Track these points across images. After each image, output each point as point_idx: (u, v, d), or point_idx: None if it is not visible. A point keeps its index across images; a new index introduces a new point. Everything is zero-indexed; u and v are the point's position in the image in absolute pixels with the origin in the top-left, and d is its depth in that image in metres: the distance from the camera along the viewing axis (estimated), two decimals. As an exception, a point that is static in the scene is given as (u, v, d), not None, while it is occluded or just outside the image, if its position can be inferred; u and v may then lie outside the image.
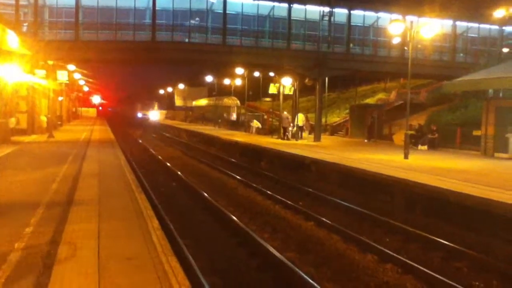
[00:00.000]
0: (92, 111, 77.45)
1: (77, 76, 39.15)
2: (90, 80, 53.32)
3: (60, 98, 36.67)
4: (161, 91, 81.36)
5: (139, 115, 57.76)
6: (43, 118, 27.36)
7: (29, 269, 4.62)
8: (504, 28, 33.42)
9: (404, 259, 7.62)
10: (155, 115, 58.01)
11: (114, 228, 6.24)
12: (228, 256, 8.04)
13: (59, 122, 34.53)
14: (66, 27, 27.61)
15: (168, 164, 19.81)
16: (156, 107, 65.62)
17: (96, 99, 78.47)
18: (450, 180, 11.55)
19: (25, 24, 27.48)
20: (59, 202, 7.86)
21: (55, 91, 30.68)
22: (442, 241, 8.59)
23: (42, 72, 25.15)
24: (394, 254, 7.86)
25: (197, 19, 28.79)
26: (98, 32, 27.59)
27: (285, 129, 27.90)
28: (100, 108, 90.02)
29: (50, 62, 27.52)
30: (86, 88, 59.83)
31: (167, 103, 78.82)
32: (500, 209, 8.84)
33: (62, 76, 27.03)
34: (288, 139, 27.09)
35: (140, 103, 64.75)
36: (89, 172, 11.46)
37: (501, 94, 21.21)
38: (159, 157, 22.83)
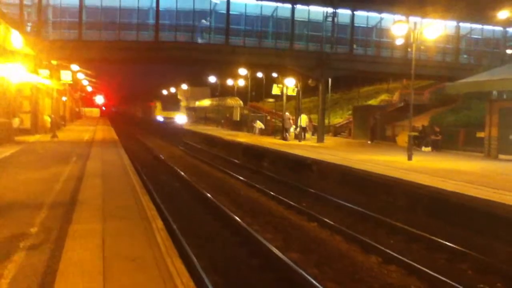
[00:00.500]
0: (95, 111, 77.57)
1: (80, 76, 39.27)
2: (93, 80, 53.46)
3: (63, 98, 36.77)
4: (164, 91, 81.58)
5: (160, 118, 41.53)
6: (47, 118, 27.44)
7: (34, 269, 4.64)
8: (507, 29, 33.35)
9: (408, 261, 7.61)
10: (182, 118, 41.58)
11: (118, 228, 6.25)
12: (231, 256, 8.05)
13: (62, 122, 34.61)
14: (70, 27, 27.68)
15: (171, 164, 19.84)
16: (181, 108, 47.62)
17: (99, 99, 78.56)
18: (453, 182, 11.53)
19: (29, 24, 27.56)
20: (63, 202, 7.88)
21: (59, 91, 30.78)
22: (446, 242, 8.58)
23: (46, 72, 25.22)
24: (398, 256, 7.85)
25: (208, 19, 28.85)
26: (102, 31, 27.67)
27: (286, 130, 27.95)
28: (104, 108, 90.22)
29: (54, 62, 27.61)
30: (89, 88, 59.96)
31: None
32: (502, 211, 8.83)
33: (65, 76, 27.14)
34: (286, 139, 27.10)
35: (162, 102, 45.94)
36: (93, 172, 11.48)
37: (504, 96, 21.17)
38: (162, 157, 22.87)
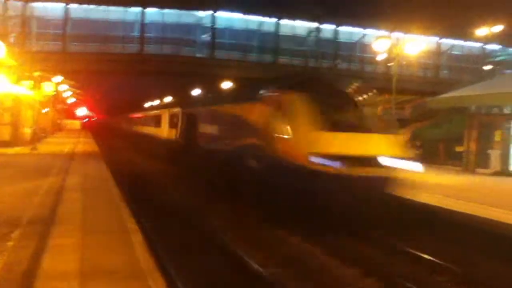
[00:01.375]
0: (77, 123, 76.47)
1: (64, 87, 38.88)
2: (77, 91, 52.88)
3: (45, 110, 36.37)
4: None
5: (320, 160, 8.57)
6: (27, 130, 27.06)
7: (11, 284, 4.58)
8: (486, 46, 34.21)
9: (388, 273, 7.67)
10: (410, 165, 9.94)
11: (97, 242, 6.20)
12: (215, 274, 8.00)
13: (43, 134, 34.17)
14: (54, 39, 27.59)
15: (154, 178, 19.66)
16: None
17: (82, 110, 77.60)
18: (432, 196, 11.71)
19: (12, 35, 27.37)
20: (42, 215, 7.78)
21: (41, 102, 30.48)
22: (426, 256, 8.67)
23: (29, 83, 24.99)
24: (378, 269, 7.90)
25: (207, 34, 29.05)
26: (86, 44, 27.63)
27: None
28: (86, 120, 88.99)
29: (37, 73, 27.38)
30: (73, 99, 59.18)
31: None
32: (477, 223, 9.01)
33: (48, 87, 26.92)
34: None
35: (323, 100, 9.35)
36: (73, 185, 11.36)
37: (483, 110, 21.58)
38: (145, 169, 22.63)
